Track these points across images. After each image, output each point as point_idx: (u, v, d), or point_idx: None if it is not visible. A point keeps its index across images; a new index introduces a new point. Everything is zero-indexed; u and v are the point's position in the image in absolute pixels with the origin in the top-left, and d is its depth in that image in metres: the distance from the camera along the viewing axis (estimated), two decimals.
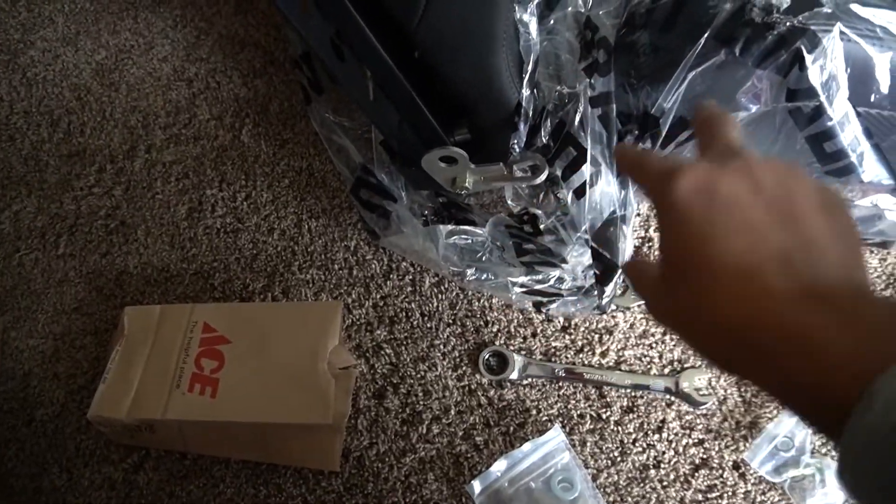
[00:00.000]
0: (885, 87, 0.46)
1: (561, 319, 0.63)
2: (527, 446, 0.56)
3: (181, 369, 0.57)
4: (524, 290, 0.58)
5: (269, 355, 0.57)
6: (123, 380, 0.57)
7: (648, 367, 0.61)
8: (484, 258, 0.58)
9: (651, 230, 0.67)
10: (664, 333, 0.62)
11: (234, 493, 0.58)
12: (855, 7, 0.45)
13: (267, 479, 0.58)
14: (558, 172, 0.57)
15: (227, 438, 0.58)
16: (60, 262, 0.70)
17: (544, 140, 0.57)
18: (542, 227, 0.60)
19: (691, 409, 0.59)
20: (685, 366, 0.61)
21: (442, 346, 0.63)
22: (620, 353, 0.62)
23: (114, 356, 0.58)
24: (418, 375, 0.62)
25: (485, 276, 0.58)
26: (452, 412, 0.60)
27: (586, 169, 0.54)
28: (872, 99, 0.47)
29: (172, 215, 0.71)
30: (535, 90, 0.56)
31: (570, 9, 0.56)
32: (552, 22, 0.56)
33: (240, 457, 0.59)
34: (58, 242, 0.71)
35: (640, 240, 0.66)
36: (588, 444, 0.58)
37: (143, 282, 0.68)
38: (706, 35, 0.48)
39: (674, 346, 0.62)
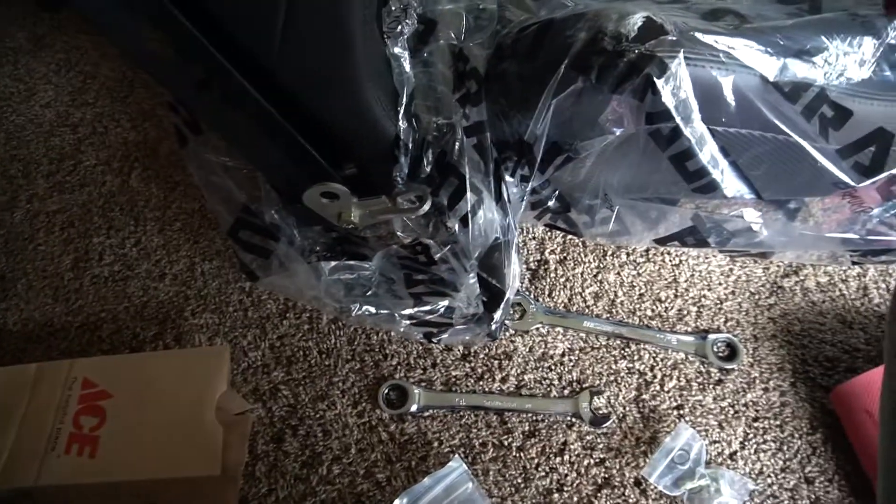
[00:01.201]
0: (732, 108, 0.49)
1: (461, 348, 0.63)
2: (427, 480, 0.55)
3: (57, 430, 0.53)
4: (413, 321, 0.58)
5: (152, 407, 0.54)
6: None
7: (548, 389, 0.61)
8: (369, 292, 0.58)
9: (546, 252, 0.68)
10: (562, 355, 0.63)
11: None
12: (698, 35, 0.48)
13: None
14: (445, 202, 0.57)
15: (113, 500, 0.54)
16: None
17: (427, 171, 0.58)
18: (435, 257, 0.60)
19: (592, 429, 0.60)
20: (584, 386, 0.61)
21: (341, 384, 0.61)
22: (520, 378, 0.62)
23: None
24: (317, 415, 0.60)
25: (371, 309, 0.57)
26: (353, 450, 0.59)
27: (468, 197, 0.55)
28: (723, 119, 0.50)
29: (56, 266, 0.68)
30: (414, 122, 0.57)
31: (442, 41, 0.57)
32: (426, 54, 0.57)
33: None
34: None
35: (536, 263, 0.67)
36: (491, 472, 0.58)
37: (24, 339, 0.64)
38: (564, 63, 0.49)
39: (572, 367, 0.62)
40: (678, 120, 0.49)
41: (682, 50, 0.47)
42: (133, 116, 0.76)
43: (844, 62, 0.50)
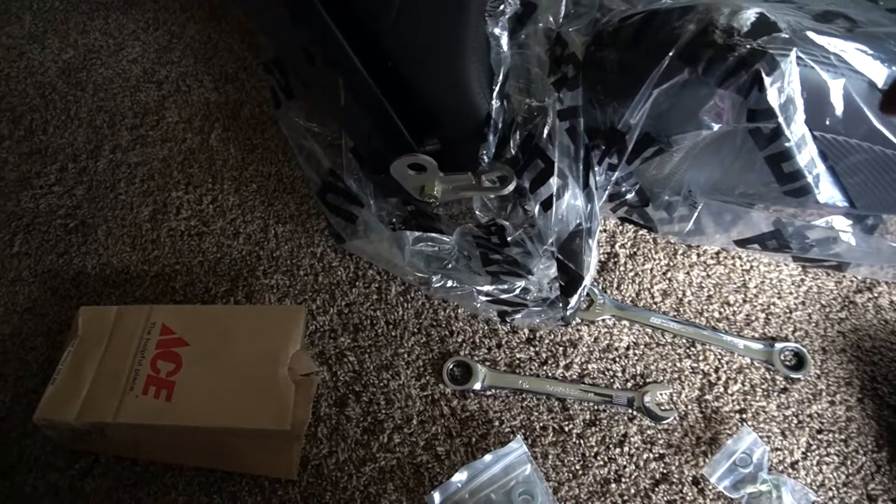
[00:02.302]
0: (838, 112, 0.48)
1: (526, 331, 0.63)
2: (488, 457, 0.55)
3: (136, 371, 0.55)
4: (489, 299, 0.58)
5: (227, 359, 0.55)
6: (74, 382, 0.55)
7: (611, 380, 0.62)
8: (450, 266, 0.58)
9: (616, 245, 0.68)
10: (627, 348, 0.63)
11: (187, 502, 0.56)
12: (811, 34, 0.47)
13: (221, 486, 0.57)
14: (526, 184, 0.58)
15: (182, 444, 0.56)
16: (14, 261, 0.67)
17: (513, 152, 0.58)
18: (509, 238, 0.60)
19: (653, 424, 0.60)
20: (648, 380, 0.61)
21: (406, 355, 0.62)
22: (584, 367, 0.62)
23: (65, 357, 0.56)
24: (381, 384, 0.61)
25: (450, 283, 0.58)
26: (414, 422, 0.59)
27: (553, 181, 0.55)
28: (827, 123, 0.49)
29: (135, 216, 0.70)
30: (505, 102, 0.57)
31: (540, 24, 0.57)
32: (523, 36, 0.58)
33: (194, 463, 0.57)
34: (13, 241, 0.69)
35: (606, 255, 0.67)
36: (550, 456, 0.58)
37: (101, 283, 0.66)
38: (670, 54, 0.49)
39: (636, 361, 0.62)
40: (781, 119, 0.49)
41: (795, 49, 0.46)
42: (216, 78, 0.78)
43: None
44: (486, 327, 0.63)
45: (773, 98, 0.48)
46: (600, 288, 0.65)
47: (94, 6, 0.84)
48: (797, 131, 0.49)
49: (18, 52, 0.81)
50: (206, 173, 0.72)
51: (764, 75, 0.47)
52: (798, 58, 0.47)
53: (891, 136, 0.48)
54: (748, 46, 0.47)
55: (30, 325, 0.64)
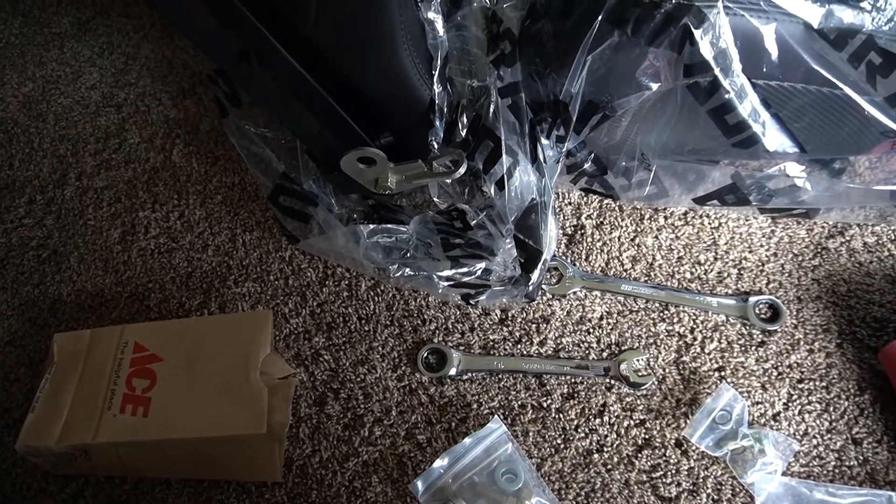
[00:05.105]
0: (774, 58, 0.48)
1: (498, 312, 0.63)
2: (467, 440, 0.56)
3: (112, 391, 0.56)
4: (450, 283, 0.58)
5: (200, 370, 0.56)
6: (53, 407, 0.56)
7: (587, 352, 0.61)
8: (409, 255, 0.58)
9: (583, 217, 0.67)
10: (600, 318, 0.63)
11: None
12: None
13: (210, 496, 0.58)
14: (480, 166, 0.57)
15: (164, 457, 0.57)
16: None
17: (462, 135, 0.58)
18: (472, 222, 0.60)
19: (631, 391, 0.60)
20: (623, 348, 0.61)
21: (380, 348, 0.62)
22: (558, 341, 0.62)
23: (43, 384, 0.57)
24: (358, 379, 0.61)
25: (409, 271, 0.58)
26: (394, 413, 0.60)
27: (504, 159, 0.55)
28: (764, 70, 0.49)
29: (105, 240, 0.71)
30: (448, 86, 0.57)
31: (475, 4, 0.57)
32: (459, 18, 0.57)
33: (181, 475, 0.58)
34: None
35: (573, 227, 0.67)
36: (530, 433, 0.58)
37: (77, 309, 0.67)
38: (599, 18, 0.49)
39: (610, 330, 0.62)
40: (717, 71, 0.48)
41: None
42: (174, 95, 0.78)
43: (895, 7, 0.48)
44: (458, 312, 0.63)
45: (706, 50, 0.47)
46: (569, 261, 0.65)
47: (48, 37, 0.85)
48: (736, 81, 0.49)
49: None
50: (172, 190, 0.73)
51: (693, 29, 0.46)
52: (726, 7, 0.46)
53: (828, 76, 0.47)
54: (673, 2, 0.46)
55: (11, 357, 0.65)
